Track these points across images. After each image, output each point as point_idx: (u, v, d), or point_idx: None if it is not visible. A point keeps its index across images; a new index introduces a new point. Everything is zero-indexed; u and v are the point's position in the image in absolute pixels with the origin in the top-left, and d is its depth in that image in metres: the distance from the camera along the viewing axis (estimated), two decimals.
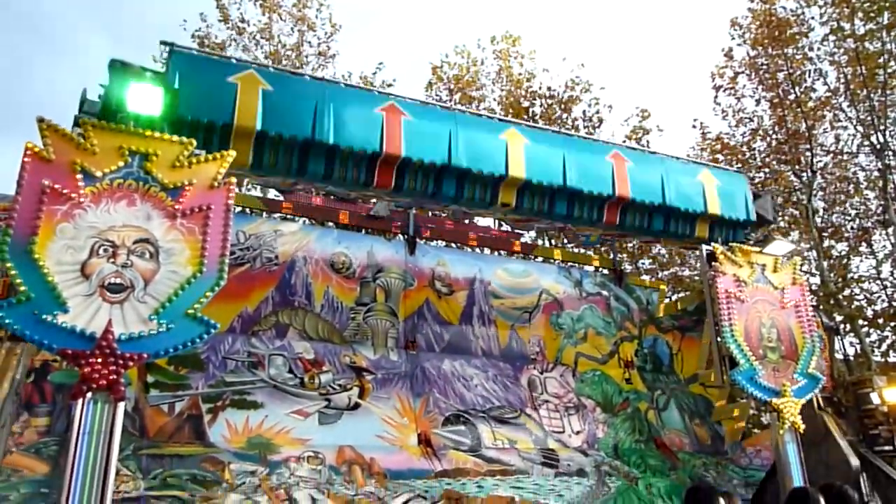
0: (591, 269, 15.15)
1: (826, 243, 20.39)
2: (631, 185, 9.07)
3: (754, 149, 21.51)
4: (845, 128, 20.55)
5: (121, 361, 5.06)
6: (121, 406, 5.00)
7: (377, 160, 7.85)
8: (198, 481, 9.30)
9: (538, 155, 8.67)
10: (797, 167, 20.60)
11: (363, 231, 13.41)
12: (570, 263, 14.71)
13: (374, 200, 13.41)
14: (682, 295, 19.67)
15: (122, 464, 9.07)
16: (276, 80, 7.55)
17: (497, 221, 14.99)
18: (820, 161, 20.70)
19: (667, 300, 15.93)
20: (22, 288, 4.97)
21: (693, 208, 9.43)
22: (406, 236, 13.17)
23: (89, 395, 4.94)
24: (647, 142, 23.59)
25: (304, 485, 9.75)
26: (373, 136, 7.81)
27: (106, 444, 4.89)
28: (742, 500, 12.13)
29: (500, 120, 9.44)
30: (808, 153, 20.13)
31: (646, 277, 19.28)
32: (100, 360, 4.98)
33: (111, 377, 4.96)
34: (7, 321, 4.91)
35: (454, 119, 8.62)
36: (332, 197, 13.08)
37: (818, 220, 20.37)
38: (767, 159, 21.16)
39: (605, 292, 14.40)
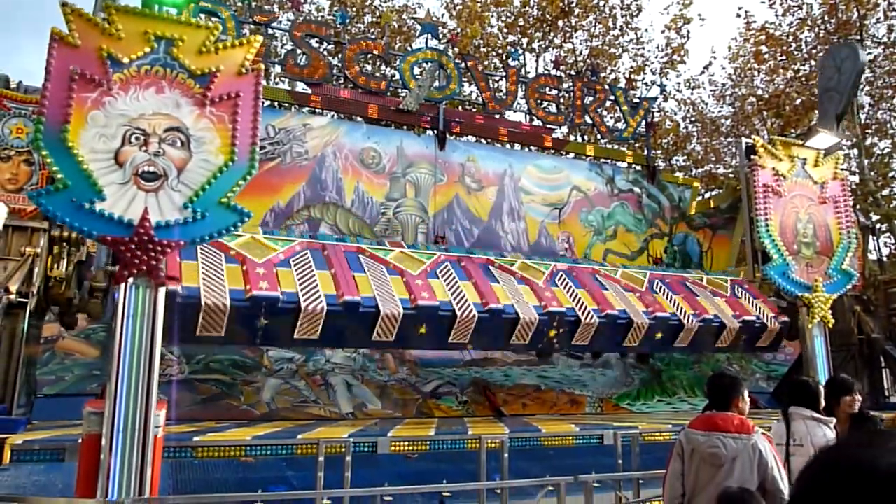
0: (623, 165, 14.88)
1: (868, 141, 19.64)
2: None
3: (801, 39, 20.37)
4: None
5: (159, 248, 5.16)
6: (161, 290, 5.14)
7: None
8: (238, 366, 9.75)
9: None
10: None
11: (392, 126, 13.21)
12: (602, 159, 14.45)
13: (402, 94, 13.14)
14: (715, 192, 19.32)
15: (167, 349, 9.52)
16: None
17: (528, 116, 14.61)
18: (870, 53, 19.56)
19: (700, 198, 15.64)
20: (59, 176, 5.01)
21: None
22: (436, 131, 12.98)
23: (131, 280, 5.08)
24: (688, 31, 22.47)
25: (340, 371, 10.15)
26: None
27: (150, 327, 5.08)
28: (764, 393, 12.41)
29: None
30: (858, 45, 19.01)
31: (679, 174, 18.90)
32: (139, 246, 5.09)
33: (151, 262, 5.09)
34: (48, 208, 5.00)
35: None
36: (359, 90, 12.82)
37: (862, 116, 19.53)
38: (814, 51, 20.08)
39: (636, 189, 14.21)
